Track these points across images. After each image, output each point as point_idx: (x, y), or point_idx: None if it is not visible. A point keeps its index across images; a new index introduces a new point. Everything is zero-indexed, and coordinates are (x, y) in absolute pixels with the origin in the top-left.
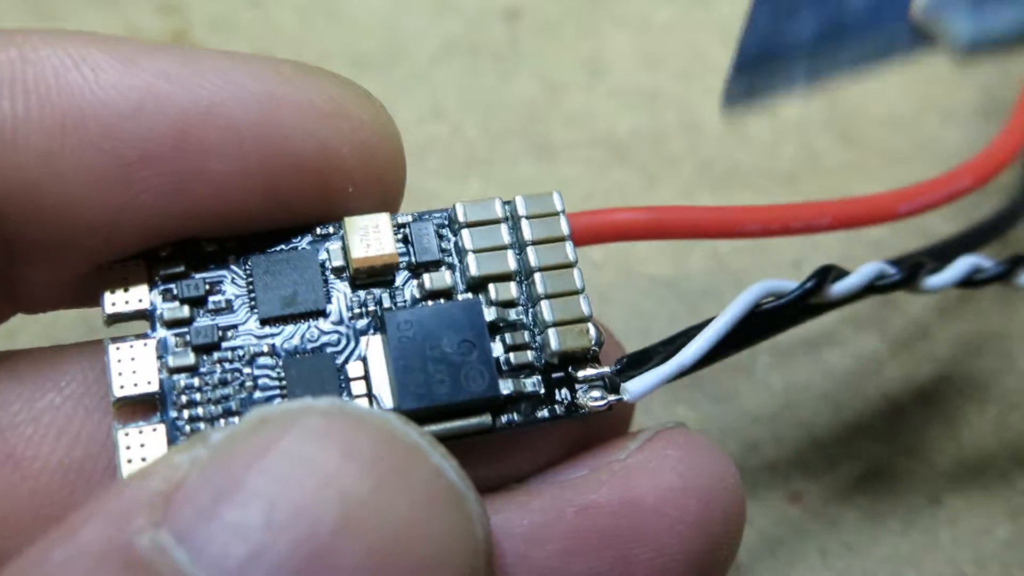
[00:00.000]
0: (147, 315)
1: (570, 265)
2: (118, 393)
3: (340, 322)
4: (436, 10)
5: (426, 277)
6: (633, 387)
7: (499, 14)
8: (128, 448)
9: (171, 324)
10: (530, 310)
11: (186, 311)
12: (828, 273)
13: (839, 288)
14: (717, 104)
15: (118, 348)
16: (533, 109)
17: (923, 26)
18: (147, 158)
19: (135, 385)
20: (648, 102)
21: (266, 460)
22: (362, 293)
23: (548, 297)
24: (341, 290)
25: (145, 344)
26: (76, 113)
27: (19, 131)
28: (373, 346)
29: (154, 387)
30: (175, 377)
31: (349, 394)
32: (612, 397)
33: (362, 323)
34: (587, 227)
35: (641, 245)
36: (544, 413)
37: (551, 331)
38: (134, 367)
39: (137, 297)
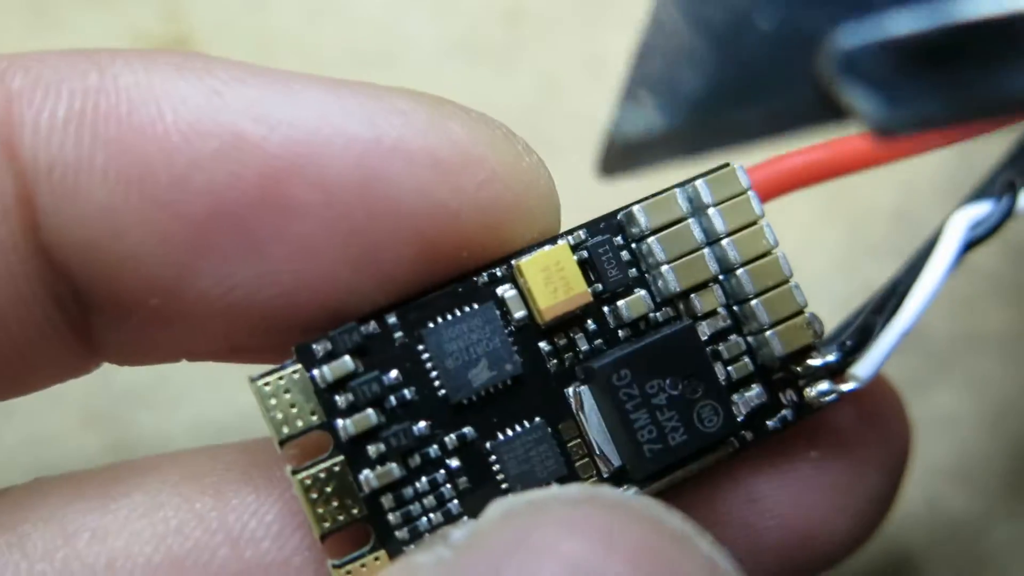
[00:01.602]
0: (326, 427)
1: (771, 251)
2: (323, 529)
3: (539, 382)
4: (436, 10)
5: (621, 306)
6: (862, 371)
7: (499, 14)
8: None
9: (359, 438)
10: (735, 308)
11: (372, 417)
12: (1016, 185)
13: None
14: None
15: (308, 481)
16: (533, 109)
17: (831, 94)
18: (218, 216)
19: (340, 518)
20: None
21: (519, 557)
22: (553, 340)
23: (759, 295)
24: (529, 344)
25: (337, 467)
26: (144, 160)
27: (81, 180)
28: (581, 400)
29: (361, 512)
30: (382, 496)
31: (569, 460)
32: (844, 387)
33: (561, 375)
34: (768, 186)
35: None
36: (775, 423)
37: (771, 334)
38: (330, 494)
39: (309, 410)
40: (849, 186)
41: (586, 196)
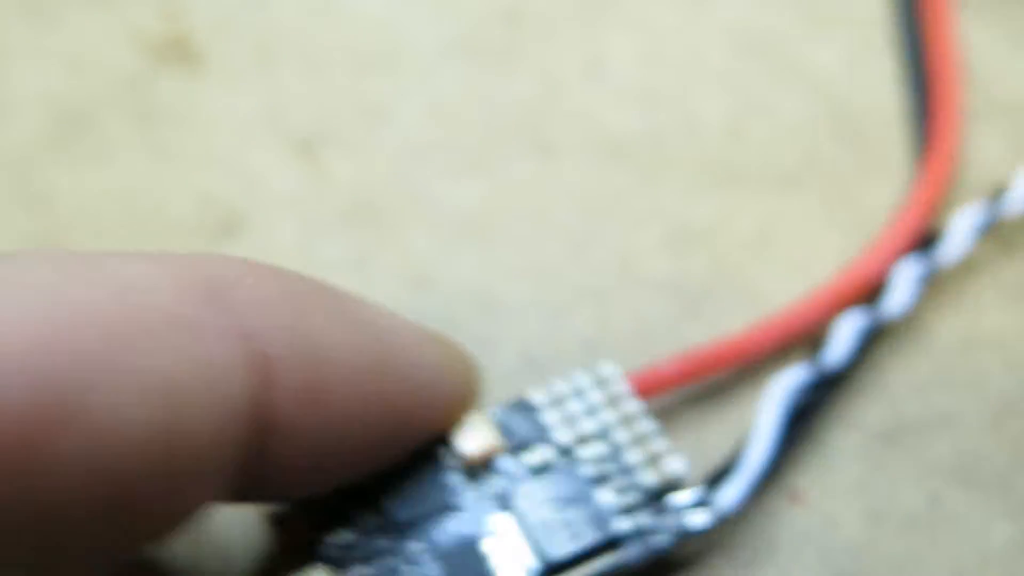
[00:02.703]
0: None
1: (638, 416)
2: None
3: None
4: (436, 10)
5: (526, 457)
6: (723, 501)
7: (499, 14)
8: None
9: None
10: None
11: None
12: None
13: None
14: (717, 103)
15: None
16: (533, 109)
17: None
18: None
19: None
20: (648, 102)
21: None
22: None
23: (632, 444)
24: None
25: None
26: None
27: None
28: (505, 523)
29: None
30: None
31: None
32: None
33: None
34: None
35: (642, 243)
36: (643, 548)
37: (644, 468)
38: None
39: None
40: (849, 186)
41: (586, 196)
